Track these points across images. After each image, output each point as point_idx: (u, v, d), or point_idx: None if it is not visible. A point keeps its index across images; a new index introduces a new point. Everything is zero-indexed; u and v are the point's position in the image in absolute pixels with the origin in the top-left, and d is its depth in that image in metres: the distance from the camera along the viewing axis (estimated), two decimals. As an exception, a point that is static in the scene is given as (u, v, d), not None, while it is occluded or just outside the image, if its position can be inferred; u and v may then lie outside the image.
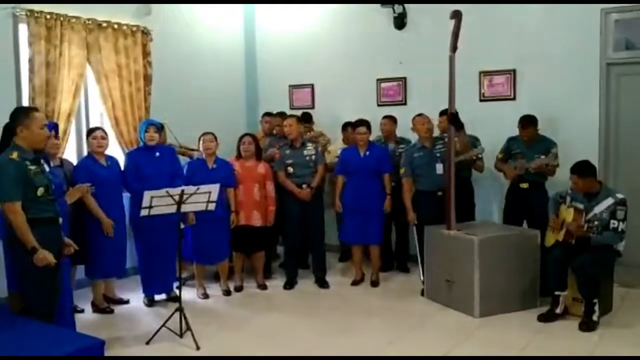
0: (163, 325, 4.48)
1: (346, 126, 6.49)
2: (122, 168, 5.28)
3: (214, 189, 4.57)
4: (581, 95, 5.64)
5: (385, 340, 4.45)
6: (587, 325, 4.54)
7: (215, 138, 5.54)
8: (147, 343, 4.41)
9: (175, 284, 5.02)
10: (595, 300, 4.59)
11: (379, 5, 6.61)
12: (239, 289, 5.76)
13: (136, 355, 4.26)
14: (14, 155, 3.50)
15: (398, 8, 6.55)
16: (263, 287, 5.83)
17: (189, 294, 5.48)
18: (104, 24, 5.87)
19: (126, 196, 5.30)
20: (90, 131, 5.11)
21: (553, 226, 4.94)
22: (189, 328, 4.43)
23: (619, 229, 4.60)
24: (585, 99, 5.61)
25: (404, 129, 6.06)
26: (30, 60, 5.29)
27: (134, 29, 6.17)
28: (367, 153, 5.71)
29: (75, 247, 3.94)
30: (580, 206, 4.74)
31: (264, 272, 5.98)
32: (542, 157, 5.18)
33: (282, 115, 6.50)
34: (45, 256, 3.50)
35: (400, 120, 6.17)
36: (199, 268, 5.64)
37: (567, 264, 4.72)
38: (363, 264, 5.99)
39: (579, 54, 5.62)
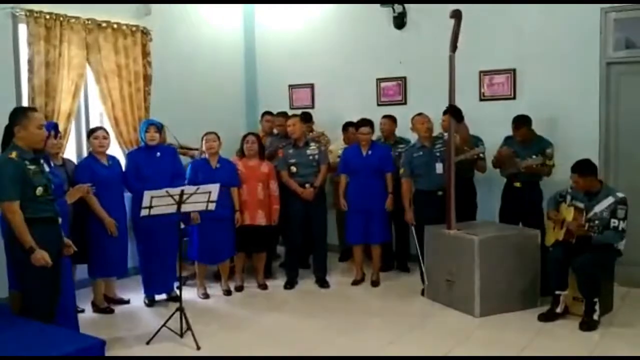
0: (163, 325, 4.47)
1: (347, 126, 6.49)
2: (123, 168, 5.28)
3: (214, 188, 4.57)
4: (581, 95, 5.63)
5: (386, 340, 4.45)
6: (588, 325, 4.54)
7: (218, 137, 5.54)
8: (148, 343, 4.40)
9: (176, 284, 5.02)
10: (596, 300, 4.59)
11: (378, 5, 6.61)
12: (239, 288, 5.76)
13: (137, 355, 4.25)
14: (13, 154, 3.52)
15: (398, 8, 6.55)
16: (263, 287, 5.83)
17: (189, 294, 5.48)
18: (104, 24, 5.87)
19: (127, 196, 5.30)
20: (92, 131, 5.11)
21: (554, 219, 4.92)
22: (189, 328, 4.43)
23: (620, 228, 4.60)
24: (585, 98, 5.60)
25: (404, 129, 6.05)
26: (30, 61, 5.28)
27: (134, 29, 6.16)
28: (370, 152, 5.71)
29: (75, 249, 3.94)
30: (581, 205, 4.74)
31: (264, 272, 5.98)
32: (534, 157, 5.18)
33: (284, 115, 6.50)
34: (42, 256, 3.50)
35: (400, 120, 6.17)
36: (201, 267, 5.64)
37: (567, 264, 4.71)
38: (363, 264, 5.98)
39: (579, 53, 5.62)
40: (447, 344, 4.32)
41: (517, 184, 5.41)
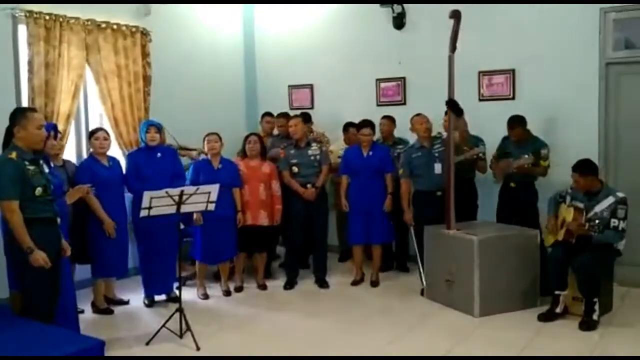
0: (163, 325, 4.48)
1: (347, 127, 6.49)
2: (123, 169, 5.29)
3: (214, 189, 4.58)
4: (580, 95, 5.63)
5: (385, 340, 4.45)
6: (587, 325, 4.54)
7: (220, 138, 5.55)
8: (147, 344, 4.41)
9: (175, 284, 5.02)
10: (596, 300, 4.59)
11: (378, 5, 6.61)
12: (239, 289, 5.76)
13: (136, 355, 4.25)
14: (13, 155, 3.53)
15: (397, 8, 6.55)
16: (263, 287, 5.83)
17: (189, 295, 5.47)
18: (103, 25, 5.87)
19: (128, 196, 5.31)
20: (93, 132, 5.12)
21: (550, 228, 4.95)
22: (189, 328, 4.43)
23: (620, 228, 4.60)
24: (584, 99, 5.61)
25: (404, 129, 6.05)
26: (30, 61, 5.28)
27: (133, 29, 6.16)
28: (371, 153, 5.72)
29: (70, 252, 3.93)
30: (581, 205, 4.74)
31: (264, 272, 5.98)
32: (525, 156, 5.18)
33: (285, 116, 6.51)
34: (41, 257, 3.51)
35: (400, 120, 6.17)
36: (202, 267, 5.64)
37: (567, 264, 4.72)
38: (363, 264, 5.98)
39: (578, 54, 5.62)
40: (447, 344, 4.33)
41: (512, 184, 5.43)
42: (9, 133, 3.73)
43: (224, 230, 5.45)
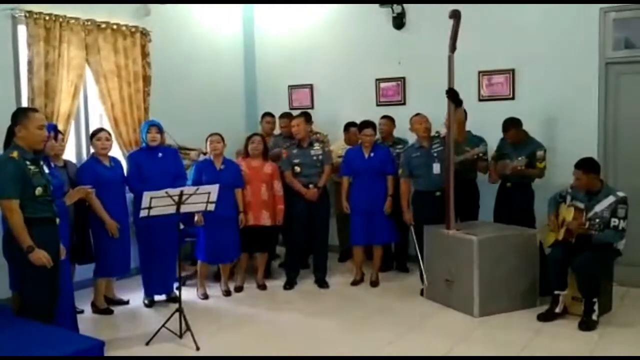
0: (163, 325, 4.48)
1: (348, 126, 6.49)
2: (125, 169, 5.30)
3: (213, 189, 4.58)
4: (580, 95, 5.63)
5: (385, 340, 4.45)
6: (587, 325, 4.54)
7: (223, 139, 5.55)
8: (147, 344, 4.41)
9: (175, 284, 5.03)
10: (595, 300, 4.59)
11: (377, 5, 6.61)
12: (239, 289, 5.77)
13: (136, 355, 4.26)
14: (14, 154, 3.54)
15: (397, 8, 6.55)
16: (263, 287, 5.83)
17: (189, 295, 5.48)
18: (103, 25, 5.87)
19: (129, 196, 5.32)
20: (95, 133, 5.13)
21: (551, 226, 4.95)
22: (188, 328, 4.43)
23: (620, 227, 4.60)
24: (584, 98, 5.61)
25: (404, 129, 6.06)
26: (30, 62, 5.28)
27: (133, 29, 6.17)
28: (372, 154, 5.72)
29: (63, 254, 3.93)
30: (581, 205, 4.74)
31: (264, 272, 5.98)
32: (519, 159, 5.18)
33: (288, 116, 6.50)
34: (42, 256, 3.51)
35: (400, 120, 6.17)
36: (204, 268, 5.64)
37: (566, 263, 4.72)
38: (363, 264, 5.98)
39: (578, 53, 5.62)
40: (446, 344, 4.33)
41: (508, 184, 5.45)
42: (10, 133, 3.75)
43: (227, 230, 5.46)
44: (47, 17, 5.37)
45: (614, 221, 4.60)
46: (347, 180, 5.84)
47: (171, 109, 6.39)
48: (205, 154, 5.90)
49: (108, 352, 3.73)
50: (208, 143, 5.53)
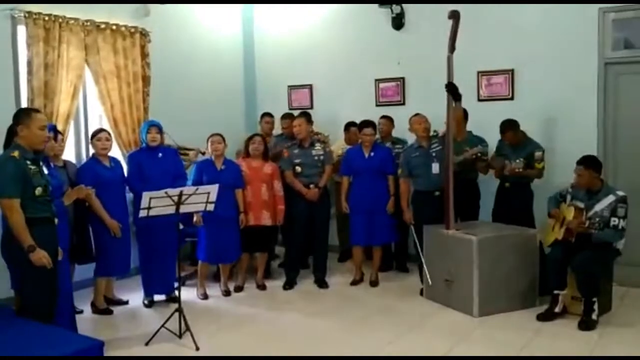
0: (162, 325, 4.48)
1: (349, 126, 6.49)
2: (125, 169, 5.30)
3: (213, 189, 4.58)
4: (579, 95, 5.64)
5: (385, 340, 4.45)
6: (587, 324, 4.54)
7: (224, 139, 5.55)
8: (147, 344, 4.40)
9: (175, 285, 5.02)
10: (595, 299, 4.59)
11: (377, 5, 6.61)
12: (238, 289, 5.76)
13: (136, 355, 4.25)
14: (15, 153, 3.55)
15: (396, 8, 6.55)
16: (262, 287, 5.83)
17: (188, 295, 5.48)
18: (103, 25, 5.87)
19: (129, 196, 5.33)
20: (95, 133, 5.14)
21: (556, 217, 4.92)
22: (188, 329, 4.43)
23: (620, 227, 4.60)
24: (583, 99, 5.61)
25: (403, 129, 6.06)
26: (29, 62, 5.28)
27: (133, 30, 6.17)
28: (372, 154, 5.73)
29: (61, 256, 3.94)
30: (581, 205, 4.75)
31: (264, 273, 5.98)
32: (517, 161, 5.19)
33: (290, 116, 6.51)
34: (42, 256, 3.52)
35: (399, 120, 6.17)
36: (204, 268, 5.64)
37: (566, 263, 4.72)
38: (362, 264, 5.99)
39: (577, 54, 5.63)
40: (446, 344, 4.33)
41: (507, 185, 5.45)
42: (11, 133, 3.76)
43: (228, 230, 5.47)
44: (46, 18, 5.38)
45: (614, 220, 4.61)
46: (347, 180, 5.84)
47: (171, 110, 6.39)
48: (203, 153, 5.91)
49: (107, 352, 3.72)
50: (209, 143, 5.54)
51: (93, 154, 5.14)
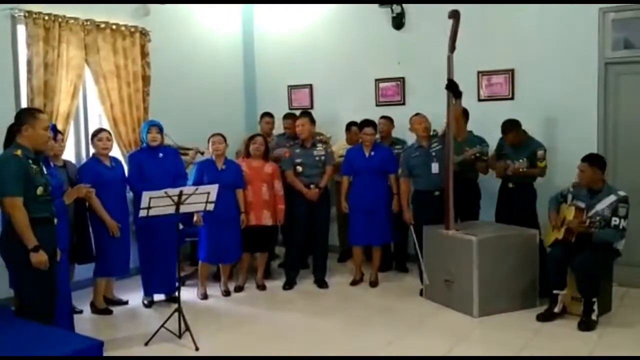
0: (162, 326, 4.48)
1: (350, 126, 6.49)
2: (125, 169, 5.30)
3: (213, 189, 4.58)
4: (579, 95, 5.63)
5: (385, 340, 4.45)
6: (586, 325, 4.54)
7: (225, 139, 5.55)
8: (146, 344, 4.40)
9: (175, 284, 5.02)
10: (594, 300, 4.58)
11: (377, 5, 6.61)
12: (238, 289, 5.76)
13: (135, 355, 4.25)
14: (18, 152, 3.55)
15: (396, 8, 6.55)
16: (262, 287, 5.83)
17: (188, 295, 5.48)
18: (102, 25, 5.87)
19: (129, 196, 5.33)
20: (96, 133, 5.14)
21: (553, 224, 4.94)
22: (187, 329, 4.43)
23: (621, 227, 4.60)
24: (583, 99, 5.60)
25: (404, 129, 6.05)
26: (29, 62, 5.28)
27: (133, 29, 6.16)
28: (372, 153, 5.73)
29: (58, 257, 3.93)
30: (582, 205, 4.74)
31: (263, 273, 5.98)
32: (520, 160, 5.19)
33: (292, 116, 6.50)
34: (43, 260, 3.52)
35: (400, 120, 6.17)
36: (205, 268, 5.64)
37: (566, 263, 4.72)
38: (362, 265, 5.98)
39: (577, 54, 5.62)
40: (446, 344, 4.32)
41: (511, 185, 5.44)
42: (11, 132, 3.75)
43: (228, 230, 5.46)
44: (46, 17, 5.37)
45: (615, 220, 4.61)
46: (347, 180, 5.84)
47: (170, 109, 6.39)
48: (202, 153, 5.91)
49: (107, 352, 3.71)
50: (210, 143, 5.54)
51: (93, 154, 5.14)
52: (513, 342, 4.33)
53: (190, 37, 6.99)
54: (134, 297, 5.47)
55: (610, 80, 5.53)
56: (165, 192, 4.35)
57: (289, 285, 5.85)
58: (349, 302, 5.42)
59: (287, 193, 5.79)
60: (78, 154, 5.88)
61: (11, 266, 3.69)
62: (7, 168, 3.50)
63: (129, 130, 6.10)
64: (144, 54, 6.29)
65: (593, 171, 4.70)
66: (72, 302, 4.61)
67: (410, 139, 5.90)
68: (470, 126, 5.77)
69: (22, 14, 5.23)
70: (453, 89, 5.08)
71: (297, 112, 6.43)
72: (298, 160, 5.76)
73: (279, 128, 6.81)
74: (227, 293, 5.66)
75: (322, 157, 5.80)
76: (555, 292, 4.76)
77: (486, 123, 5.79)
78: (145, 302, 5.36)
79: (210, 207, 4.62)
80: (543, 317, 4.74)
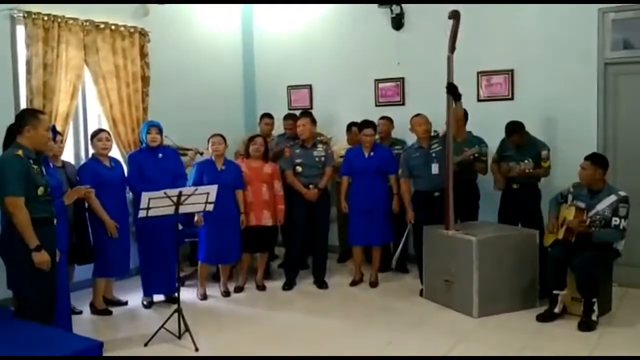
0: (162, 326, 4.47)
1: (350, 126, 6.49)
2: (125, 169, 5.30)
3: (212, 189, 4.58)
4: (579, 95, 5.63)
5: (385, 340, 4.44)
6: (586, 325, 4.54)
7: (224, 140, 5.55)
8: (146, 344, 4.39)
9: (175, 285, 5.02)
10: (594, 300, 4.58)
11: (376, 5, 6.61)
12: (238, 289, 5.76)
13: (135, 356, 4.25)
14: (20, 152, 3.55)
15: (396, 8, 6.55)
16: (262, 288, 5.82)
17: (188, 295, 5.48)
18: (102, 25, 5.86)
19: (128, 197, 5.32)
20: (95, 133, 5.13)
21: (550, 228, 4.94)
22: (187, 329, 4.42)
23: (621, 227, 4.60)
24: (583, 99, 5.60)
25: (403, 130, 6.05)
26: (28, 62, 5.27)
27: (132, 30, 6.16)
28: (372, 154, 5.72)
29: (57, 258, 3.93)
30: (582, 205, 4.74)
31: (263, 273, 5.97)
32: (525, 161, 5.18)
33: (293, 117, 6.50)
34: (45, 260, 3.52)
35: (399, 120, 6.17)
36: (204, 268, 5.64)
37: (566, 263, 4.71)
38: (362, 265, 5.98)
39: (576, 54, 5.62)
40: (446, 344, 4.32)
41: (515, 186, 5.42)
42: (11, 132, 3.75)
43: (228, 231, 5.46)
44: (45, 18, 5.37)
45: (615, 220, 4.61)
46: (346, 180, 5.84)
47: (170, 110, 6.38)
48: (201, 153, 5.90)
49: (107, 353, 3.72)
50: (210, 144, 5.54)
51: (93, 154, 5.14)
52: (513, 343, 4.33)
53: (190, 38, 6.99)
54: (134, 297, 5.47)
55: (610, 81, 5.53)
56: (165, 193, 4.34)
57: (288, 285, 5.85)
58: (348, 302, 5.42)
59: (287, 193, 5.79)
60: (77, 155, 5.88)
61: (11, 266, 3.69)
62: (10, 168, 3.50)
63: (128, 131, 6.09)
64: (144, 55, 6.28)
65: (595, 170, 4.70)
66: (70, 302, 4.60)
67: (410, 139, 5.90)
68: (469, 126, 5.76)
69: (21, 14, 5.22)
70: (453, 91, 5.08)
71: (297, 113, 6.43)
72: (298, 161, 5.76)
73: (278, 128, 6.81)
74: (226, 293, 5.66)
75: (322, 158, 5.79)
76: (555, 292, 4.76)
77: (486, 123, 5.80)
78: (145, 302, 5.36)
79: (210, 207, 4.62)
80: (543, 318, 4.74)
